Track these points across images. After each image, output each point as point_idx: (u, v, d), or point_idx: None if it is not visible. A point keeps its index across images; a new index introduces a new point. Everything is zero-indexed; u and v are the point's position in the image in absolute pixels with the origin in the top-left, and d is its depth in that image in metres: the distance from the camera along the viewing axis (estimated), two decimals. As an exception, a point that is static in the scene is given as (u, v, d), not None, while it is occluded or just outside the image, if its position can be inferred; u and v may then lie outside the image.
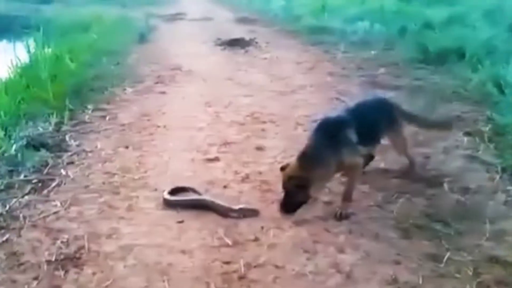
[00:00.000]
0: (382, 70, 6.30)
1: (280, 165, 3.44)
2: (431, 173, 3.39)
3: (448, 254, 2.50)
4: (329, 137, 2.90)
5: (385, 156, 3.62)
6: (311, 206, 2.99)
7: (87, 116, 4.85)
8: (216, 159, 3.80)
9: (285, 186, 2.89)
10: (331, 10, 11.03)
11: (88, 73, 6.31)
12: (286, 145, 3.98)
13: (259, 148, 3.95)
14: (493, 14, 8.61)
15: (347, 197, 2.97)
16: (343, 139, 2.91)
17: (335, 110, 3.40)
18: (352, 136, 2.92)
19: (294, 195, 2.86)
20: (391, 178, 3.34)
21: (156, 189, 3.30)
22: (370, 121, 3.07)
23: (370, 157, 3.40)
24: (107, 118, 4.82)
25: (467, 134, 4.02)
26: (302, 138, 4.04)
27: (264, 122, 4.58)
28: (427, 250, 2.54)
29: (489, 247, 2.55)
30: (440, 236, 2.66)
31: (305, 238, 2.70)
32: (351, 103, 3.26)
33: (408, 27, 8.11)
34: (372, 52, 7.31)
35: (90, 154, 3.95)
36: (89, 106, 5.13)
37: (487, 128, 4.05)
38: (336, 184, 3.23)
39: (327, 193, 3.15)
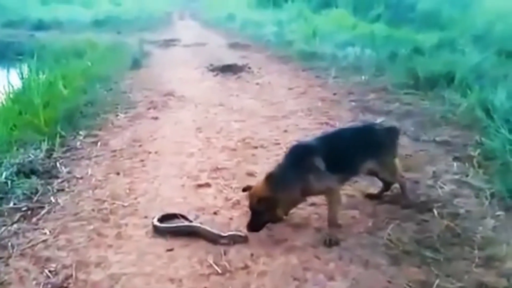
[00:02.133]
0: (372, 95, 6.33)
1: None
2: (420, 198, 3.38)
3: (437, 281, 2.48)
4: (296, 162, 2.97)
5: (375, 181, 3.62)
6: (302, 232, 2.99)
7: (78, 143, 4.84)
8: (207, 185, 3.78)
9: (252, 207, 2.93)
10: (322, 35, 11.11)
11: (81, 99, 6.31)
12: (277, 171, 3.98)
13: (250, 174, 3.94)
14: (482, 38, 8.71)
15: (332, 222, 2.98)
16: (309, 165, 2.94)
17: (307, 137, 3.49)
18: (320, 163, 2.93)
19: (261, 215, 2.91)
20: (381, 204, 3.33)
21: (146, 216, 3.28)
22: (344, 149, 3.08)
23: (386, 185, 3.43)
24: (99, 144, 4.81)
25: (456, 159, 4.03)
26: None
27: (255, 148, 4.58)
28: (417, 277, 2.53)
29: (478, 273, 2.54)
30: (429, 262, 2.64)
31: (295, 265, 2.68)
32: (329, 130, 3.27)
33: (398, 52, 8.16)
34: (363, 77, 7.36)
35: (80, 181, 3.93)
36: (81, 132, 5.12)
37: (476, 153, 4.06)
38: (325, 210, 3.23)
39: (317, 219, 3.15)
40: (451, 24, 10.98)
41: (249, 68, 9.03)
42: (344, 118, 5.36)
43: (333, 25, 12.18)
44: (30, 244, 2.98)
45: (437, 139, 4.52)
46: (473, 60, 6.64)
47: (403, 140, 4.50)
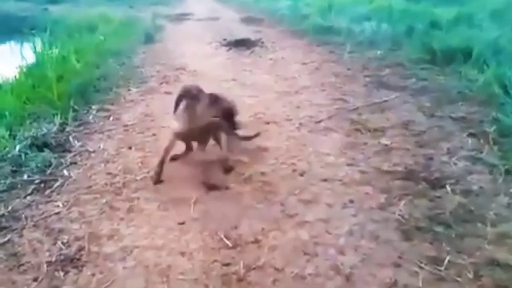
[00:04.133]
0: (388, 70, 6.26)
1: (283, 166, 3.50)
2: (434, 174, 3.36)
3: (448, 257, 2.48)
4: None
5: (389, 157, 3.61)
6: (313, 208, 3.00)
7: (91, 117, 4.87)
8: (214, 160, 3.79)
9: None
10: (338, 9, 10.99)
11: (94, 74, 6.33)
12: (289, 146, 3.99)
13: (262, 149, 3.94)
14: (500, 14, 8.53)
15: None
16: None
17: None
18: None
19: None
20: (394, 180, 3.32)
21: (157, 191, 3.30)
22: None
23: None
24: (111, 118, 4.83)
25: (472, 135, 3.99)
26: (305, 139, 4.08)
27: (267, 123, 4.57)
28: (428, 253, 2.53)
29: (490, 250, 2.52)
30: (441, 238, 2.63)
31: (305, 240, 2.69)
32: None
33: (415, 26, 8.03)
34: (378, 52, 7.27)
35: (93, 155, 3.97)
36: (94, 107, 5.15)
37: (492, 129, 4.01)
38: (338, 186, 3.25)
39: (329, 195, 3.15)
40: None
41: (263, 42, 8.96)
42: (358, 94, 5.32)
43: (349, -2, 12.02)
44: (43, 216, 3.03)
45: (453, 115, 4.47)
46: (491, 35, 6.50)
47: (418, 116, 4.50)
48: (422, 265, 2.43)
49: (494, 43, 6.22)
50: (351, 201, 3.07)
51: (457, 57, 6.05)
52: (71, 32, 8.91)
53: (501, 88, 4.65)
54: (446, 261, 2.45)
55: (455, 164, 3.51)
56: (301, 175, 3.48)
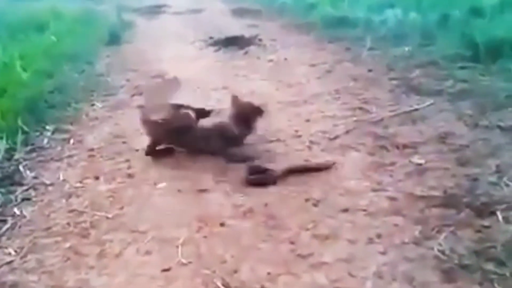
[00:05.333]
0: (418, 71, 6.39)
1: (292, 195, 3.60)
2: (480, 199, 3.44)
3: (502, 301, 2.56)
4: None
5: (423, 179, 3.71)
6: (331, 245, 3.08)
7: (45, 140, 4.97)
8: (210, 189, 3.89)
9: None
10: (353, -5, 11.17)
11: (46, 85, 6.41)
12: (298, 170, 4.09)
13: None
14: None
15: None
16: None
17: None
18: None
19: None
20: (430, 207, 3.41)
21: (134, 230, 3.39)
22: None
23: None
24: (71, 141, 4.94)
25: (527, 148, 4.10)
26: (319, 160, 4.18)
27: (269, 142, 4.69)
28: (477, 297, 2.61)
29: (554, 291, 2.61)
30: (492, 278, 2.70)
31: (324, 286, 2.76)
32: None
33: (451, 15, 8.16)
34: (406, 48, 7.41)
35: (50, 188, 4.07)
36: (48, 127, 5.25)
37: (552, 140, 4.12)
38: (361, 217, 3.33)
39: (351, 229, 3.24)
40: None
41: (260, 40, 9.11)
42: (383, 101, 5.44)
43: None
44: (-9, 267, 3.11)
45: (502, 124, 4.58)
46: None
47: (458, 127, 4.60)
48: (470, 312, 2.51)
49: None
50: (378, 236, 3.15)
51: (505, 52, 6.15)
52: (14, 33, 9.02)
53: (562, 89, 4.77)
54: (499, 306, 2.52)
55: (507, 185, 3.59)
56: (315, 205, 3.56)
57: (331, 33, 9.04)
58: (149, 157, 4.51)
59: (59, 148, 4.81)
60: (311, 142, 4.60)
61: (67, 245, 3.28)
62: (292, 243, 3.14)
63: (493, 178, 3.70)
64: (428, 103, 5.25)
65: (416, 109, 5.13)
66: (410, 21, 8.51)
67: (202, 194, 3.83)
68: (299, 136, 4.74)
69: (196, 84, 6.54)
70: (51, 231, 3.45)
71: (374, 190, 3.68)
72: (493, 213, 3.27)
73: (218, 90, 6.29)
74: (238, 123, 4.43)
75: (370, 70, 6.69)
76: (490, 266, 2.79)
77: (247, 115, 4.45)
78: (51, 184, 4.12)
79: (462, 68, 6.27)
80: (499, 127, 4.54)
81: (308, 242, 3.14)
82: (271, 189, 3.82)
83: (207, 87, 6.42)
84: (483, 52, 6.38)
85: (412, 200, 3.51)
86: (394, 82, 6.11)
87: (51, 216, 3.64)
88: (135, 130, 5.06)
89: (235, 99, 4.50)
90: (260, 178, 3.94)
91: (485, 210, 3.31)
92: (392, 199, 3.55)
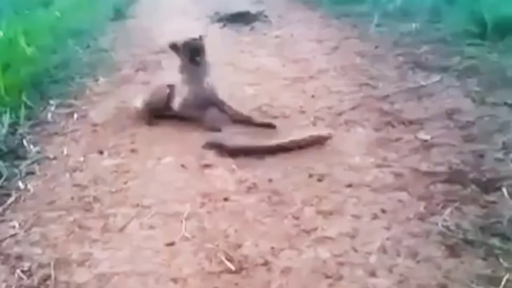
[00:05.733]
0: (426, 47, 6.36)
1: (295, 170, 3.59)
2: (486, 175, 3.44)
3: (507, 275, 2.54)
4: None
5: (428, 155, 3.70)
6: (336, 220, 3.08)
7: (49, 115, 4.98)
8: (214, 165, 3.89)
9: None
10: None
11: (50, 60, 6.43)
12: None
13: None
14: None
15: None
16: None
17: None
18: None
19: None
20: (436, 183, 3.40)
21: (138, 204, 3.40)
22: None
23: None
24: (75, 116, 4.95)
25: (532, 125, 4.09)
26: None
27: (275, 117, 4.68)
28: (481, 271, 2.59)
29: (559, 266, 2.60)
30: (497, 253, 2.70)
31: (327, 260, 2.76)
32: None
33: (460, -10, 8.12)
34: (413, 25, 7.36)
35: (54, 162, 4.08)
36: (52, 102, 5.26)
37: (557, 118, 4.11)
38: (366, 193, 3.33)
39: (356, 204, 3.24)
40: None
41: (266, 16, 9.08)
42: (389, 78, 5.42)
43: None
44: (-4, 240, 3.13)
45: (509, 101, 4.55)
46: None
47: (464, 103, 4.59)
48: (474, 286, 2.51)
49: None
50: (383, 211, 3.15)
51: (514, 29, 6.13)
52: (19, 8, 9.00)
53: None
54: (504, 281, 2.51)
55: (513, 161, 3.60)
56: (319, 180, 3.56)
57: (338, 10, 9.01)
58: (153, 132, 4.51)
59: (63, 122, 4.82)
60: (316, 117, 4.59)
61: (71, 218, 3.29)
62: (296, 218, 3.14)
63: (499, 155, 3.70)
64: (435, 79, 5.23)
65: (423, 86, 5.12)
66: (418, -2, 8.45)
67: (206, 169, 3.83)
68: (304, 112, 4.74)
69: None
70: (55, 205, 3.46)
71: (379, 166, 3.67)
72: (498, 189, 3.26)
73: (224, 66, 6.27)
74: None
75: (377, 47, 6.67)
76: (495, 241, 2.79)
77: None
78: (55, 158, 4.13)
79: (469, 45, 6.24)
80: (506, 104, 4.52)
81: (312, 217, 3.14)
82: (275, 164, 3.82)
83: (212, 62, 6.37)
84: (491, 29, 6.36)
85: (417, 176, 3.51)
86: (401, 58, 6.09)
87: (55, 190, 3.65)
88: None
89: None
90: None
91: (490, 186, 3.30)
92: (397, 174, 3.54)
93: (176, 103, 4.71)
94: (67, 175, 3.85)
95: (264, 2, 10.46)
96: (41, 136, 4.55)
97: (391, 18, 7.92)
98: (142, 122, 4.69)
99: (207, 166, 3.87)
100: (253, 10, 9.44)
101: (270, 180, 3.60)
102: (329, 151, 3.96)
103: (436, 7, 7.92)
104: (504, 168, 3.51)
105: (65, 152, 4.22)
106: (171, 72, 6.02)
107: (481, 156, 3.69)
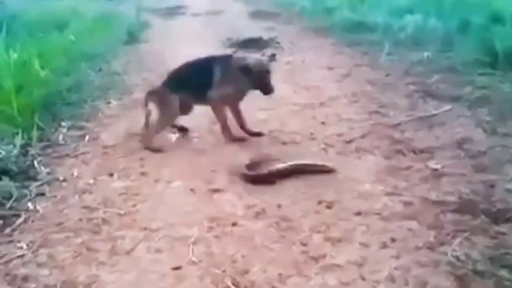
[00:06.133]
0: (436, 76, 6.37)
1: (304, 196, 3.58)
2: (496, 206, 3.41)
3: (516, 307, 2.53)
4: None
5: (438, 184, 3.68)
6: (344, 248, 3.06)
7: (61, 136, 5.01)
8: (223, 190, 3.89)
9: None
10: (373, 0, 11.16)
11: (63, 83, 6.47)
12: (312, 172, 4.08)
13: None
14: None
15: None
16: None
17: None
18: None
19: None
20: (446, 212, 3.38)
21: (146, 228, 3.39)
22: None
23: None
24: (86, 138, 4.97)
25: (545, 154, 4.07)
26: (334, 162, 4.15)
27: (284, 143, 4.69)
28: (491, 304, 2.58)
29: None
30: (506, 284, 2.68)
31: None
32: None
33: (471, 21, 8.15)
34: (425, 54, 7.39)
35: (64, 184, 4.09)
36: (64, 124, 5.29)
37: None
38: (375, 221, 3.31)
39: (364, 232, 3.22)
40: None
41: (278, 43, 9.13)
42: (400, 106, 5.43)
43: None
44: (3, 260, 3.11)
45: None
46: None
47: (475, 133, 4.57)
48: (483, 317, 2.49)
49: None
50: (392, 240, 3.13)
51: (525, 59, 6.14)
52: (34, 32, 9.09)
53: None
54: (513, 313, 2.50)
55: (524, 192, 3.57)
56: (329, 207, 3.55)
57: (349, 37, 9.06)
58: (162, 156, 4.52)
59: (74, 144, 4.84)
60: (326, 144, 4.60)
61: (79, 240, 3.28)
62: (304, 244, 3.13)
63: (510, 185, 3.68)
64: (446, 108, 5.22)
65: (434, 114, 5.12)
66: (430, 27, 8.50)
67: (215, 193, 3.83)
68: (314, 138, 4.74)
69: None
70: (64, 226, 3.46)
71: (389, 194, 3.66)
72: (509, 219, 3.25)
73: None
74: None
75: (387, 75, 6.68)
76: (504, 272, 2.77)
77: None
78: (65, 180, 4.14)
79: (481, 74, 6.26)
80: (517, 134, 4.52)
81: (320, 244, 3.13)
82: (285, 190, 3.81)
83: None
84: (502, 59, 6.37)
85: (427, 205, 3.49)
86: (412, 87, 6.10)
87: (64, 212, 3.65)
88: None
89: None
90: (259, 175, 4.02)
91: (500, 217, 3.28)
92: (407, 203, 3.53)
93: None
94: (76, 197, 3.86)
95: (276, 28, 10.53)
96: (52, 157, 4.57)
97: (402, 46, 7.95)
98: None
99: (215, 190, 3.87)
100: (265, 36, 9.49)
101: (279, 206, 3.59)
102: (339, 178, 3.95)
103: (448, 36, 7.94)
104: (514, 199, 3.50)
105: (75, 174, 4.24)
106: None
107: (492, 186, 3.67)
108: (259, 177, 4.01)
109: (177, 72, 5.00)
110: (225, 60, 4.79)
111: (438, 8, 9.38)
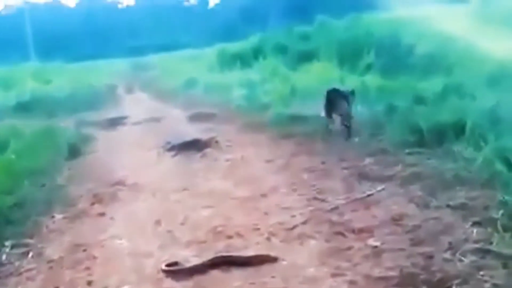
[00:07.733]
0: (369, 159, 6.54)
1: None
2: (436, 275, 3.46)
3: None
4: None
5: (380, 260, 3.72)
6: None
7: (4, 256, 4.86)
8: (171, 290, 3.82)
9: None
10: (303, 94, 11.43)
11: (5, 202, 6.33)
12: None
13: (224, 270, 3.99)
14: (495, 80, 9.04)
15: None
16: None
17: None
18: None
19: None
20: (389, 287, 3.40)
21: None
22: None
23: None
24: (30, 255, 4.83)
25: (476, 224, 4.16)
26: (278, 251, 4.16)
27: (229, 237, 4.67)
28: None
29: None
30: None
31: None
32: None
33: (396, 105, 8.44)
34: (356, 139, 7.61)
35: (9, 304, 3.94)
36: (7, 243, 5.13)
37: (499, 215, 4.20)
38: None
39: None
40: (457, 66, 11.32)
41: (216, 142, 9.21)
42: (337, 190, 5.51)
43: (315, 80, 12.54)
44: None
45: (451, 203, 4.68)
46: (486, 105, 6.90)
47: (410, 208, 4.67)
48: None
49: (490, 113, 6.59)
50: (340, 320, 3.11)
51: (448, 135, 6.37)
52: (-28, 154, 8.97)
53: (504, 165, 4.91)
54: None
55: (461, 260, 3.63)
56: (277, 295, 3.51)
57: (284, 130, 9.20)
58: (109, 264, 4.42)
59: (17, 262, 4.69)
60: (270, 233, 4.60)
61: None
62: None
63: (447, 255, 3.75)
64: (379, 188, 5.33)
65: (369, 195, 5.21)
66: (358, 114, 8.73)
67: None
68: (258, 229, 4.74)
69: (155, 188, 6.56)
70: None
71: (333, 276, 3.68)
72: (449, 288, 3.28)
73: (178, 192, 6.29)
74: None
75: (323, 162, 6.80)
76: None
77: None
78: (10, 300, 4.00)
79: (410, 153, 6.44)
80: (448, 206, 4.64)
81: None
82: (231, 283, 3.77)
83: (167, 189, 6.43)
84: (427, 137, 6.60)
85: (371, 281, 3.52)
86: (347, 171, 6.23)
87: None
88: (95, 238, 5.03)
89: None
90: None
91: (441, 286, 3.32)
92: (351, 282, 3.55)
93: None
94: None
95: (215, 129, 10.65)
96: (-5, 278, 4.42)
97: (335, 134, 8.14)
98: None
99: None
100: (204, 137, 9.58)
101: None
102: (284, 265, 3.95)
103: (376, 120, 8.20)
104: (452, 267, 3.55)
105: (20, 291, 4.10)
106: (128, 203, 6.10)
107: (430, 257, 3.74)
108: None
109: None
110: None
111: (364, 95, 9.63)
